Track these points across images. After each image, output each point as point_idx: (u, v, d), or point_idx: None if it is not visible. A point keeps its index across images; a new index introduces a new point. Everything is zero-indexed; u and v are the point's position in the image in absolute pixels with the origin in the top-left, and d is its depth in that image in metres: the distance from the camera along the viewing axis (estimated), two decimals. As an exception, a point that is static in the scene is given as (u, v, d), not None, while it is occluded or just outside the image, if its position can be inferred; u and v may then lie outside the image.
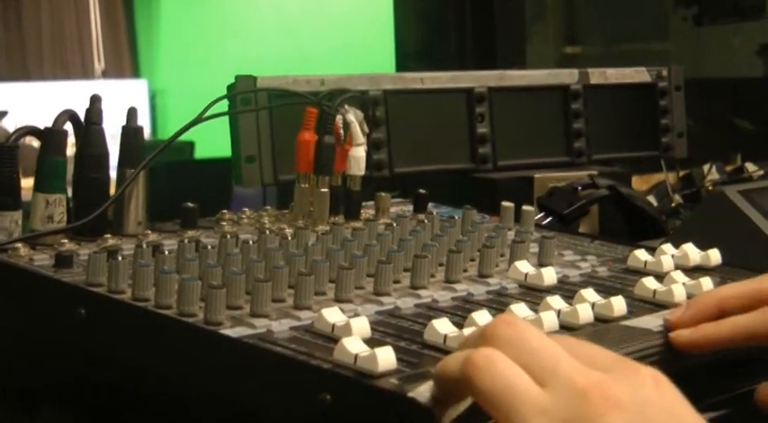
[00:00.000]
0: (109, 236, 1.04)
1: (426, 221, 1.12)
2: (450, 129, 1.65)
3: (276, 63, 6.40)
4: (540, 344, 0.61)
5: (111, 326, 0.83)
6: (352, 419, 0.67)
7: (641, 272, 1.01)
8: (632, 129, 1.85)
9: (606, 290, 0.93)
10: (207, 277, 0.83)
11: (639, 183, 2.11)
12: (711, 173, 2.02)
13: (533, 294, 0.92)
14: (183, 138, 1.22)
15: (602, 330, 0.83)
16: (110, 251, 0.89)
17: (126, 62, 8.14)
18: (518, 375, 0.59)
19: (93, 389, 0.87)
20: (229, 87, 1.42)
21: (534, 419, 0.57)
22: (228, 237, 0.97)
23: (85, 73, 7.81)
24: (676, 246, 1.07)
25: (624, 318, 0.86)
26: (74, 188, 1.09)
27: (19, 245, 0.97)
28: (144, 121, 6.72)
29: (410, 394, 0.64)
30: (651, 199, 1.87)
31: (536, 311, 0.83)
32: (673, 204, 1.85)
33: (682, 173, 2.03)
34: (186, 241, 0.95)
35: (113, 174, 1.09)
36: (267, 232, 1.00)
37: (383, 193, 1.22)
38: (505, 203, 1.20)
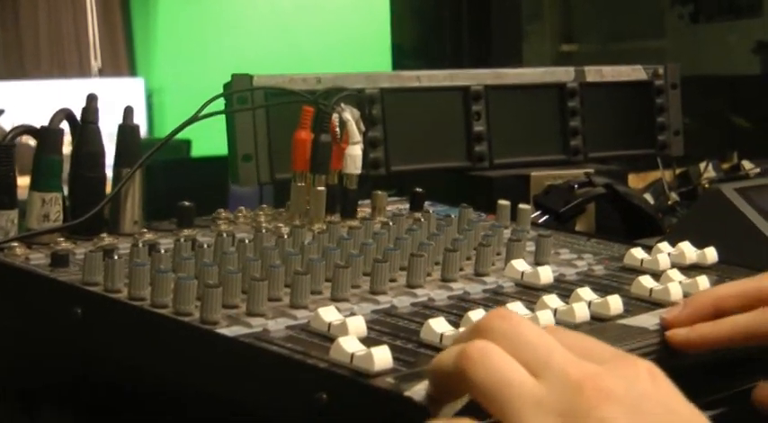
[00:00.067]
0: (105, 235, 1.03)
1: (423, 220, 1.12)
2: (446, 127, 1.65)
3: (273, 61, 6.39)
4: (535, 336, 0.61)
5: (108, 325, 0.83)
6: (349, 418, 0.66)
7: (638, 270, 1.01)
8: (629, 127, 1.85)
9: (603, 288, 0.93)
10: (203, 276, 0.83)
11: (636, 181, 2.11)
12: (708, 171, 2.02)
13: (530, 293, 0.92)
14: (179, 136, 1.22)
15: (599, 329, 0.83)
16: (106, 250, 0.89)
17: (123, 61, 8.14)
18: (513, 367, 0.59)
19: (90, 388, 0.87)
20: (226, 86, 1.41)
21: (529, 411, 0.57)
22: (225, 235, 0.97)
23: (82, 71, 7.81)
24: (673, 244, 1.07)
25: (621, 316, 0.86)
26: (70, 187, 1.09)
27: (15, 244, 0.97)
28: (140, 119, 6.73)
29: (406, 393, 0.64)
30: (648, 197, 1.87)
31: (532, 310, 0.83)
32: (669, 202, 1.84)
33: (678, 171, 2.03)
34: (182, 240, 0.95)
35: (110, 172, 1.09)
36: (263, 231, 1.00)
37: (379, 192, 1.22)
38: (502, 202, 1.20)
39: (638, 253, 1.04)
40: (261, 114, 1.44)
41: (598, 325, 0.84)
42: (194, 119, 1.15)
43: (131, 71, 8.16)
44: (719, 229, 1.24)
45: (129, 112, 1.11)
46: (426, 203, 1.27)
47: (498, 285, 0.94)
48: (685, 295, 0.90)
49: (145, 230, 1.07)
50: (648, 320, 0.85)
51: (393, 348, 0.69)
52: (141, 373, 0.81)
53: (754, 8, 5.31)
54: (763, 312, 0.81)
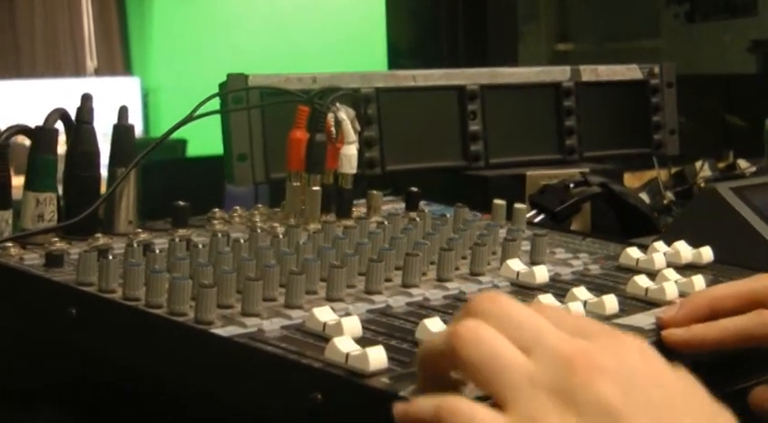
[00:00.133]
0: (99, 235, 1.03)
1: (418, 219, 1.11)
2: (442, 126, 1.65)
3: (269, 61, 6.39)
4: (525, 316, 0.61)
5: (102, 325, 0.83)
6: (343, 418, 0.66)
7: (633, 270, 1.01)
8: (624, 126, 1.85)
9: (598, 288, 0.93)
10: (198, 276, 0.83)
11: (631, 180, 2.11)
12: (703, 170, 2.02)
13: (525, 293, 0.92)
14: (175, 136, 1.22)
15: (594, 328, 0.82)
16: (100, 250, 0.89)
17: (118, 60, 8.13)
18: (504, 346, 0.59)
19: (85, 388, 0.87)
20: (221, 85, 1.41)
21: (521, 388, 0.57)
22: (219, 235, 0.97)
23: (78, 71, 7.80)
24: (668, 243, 1.07)
25: (616, 316, 0.86)
26: (64, 187, 1.08)
27: (9, 244, 0.97)
28: (136, 118, 6.71)
29: (402, 393, 0.64)
30: (643, 196, 1.87)
31: (528, 310, 0.82)
32: (665, 202, 1.85)
33: (674, 170, 2.03)
34: (177, 240, 0.95)
35: (104, 172, 1.09)
36: (258, 231, 0.99)
37: (375, 191, 1.22)
38: (497, 201, 1.20)
39: (633, 252, 1.04)
40: (256, 114, 1.44)
41: (593, 324, 0.83)
42: (189, 118, 1.15)
43: (127, 70, 8.15)
44: (715, 228, 1.24)
45: (123, 111, 1.11)
46: (422, 203, 1.27)
47: (494, 285, 0.94)
48: (681, 295, 0.90)
49: (140, 230, 1.07)
50: (644, 320, 0.85)
51: (388, 348, 0.69)
52: (136, 374, 0.81)
53: (750, 7, 5.32)
54: (759, 314, 0.81)
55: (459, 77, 1.67)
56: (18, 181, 1.05)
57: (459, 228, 1.08)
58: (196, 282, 0.81)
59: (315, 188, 1.14)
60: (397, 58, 5.18)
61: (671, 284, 0.91)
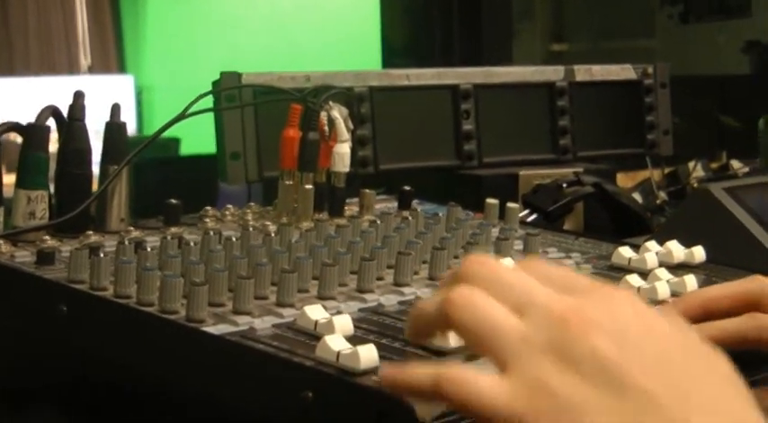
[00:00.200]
0: (91, 232, 1.03)
1: (411, 218, 1.11)
2: (435, 125, 1.65)
3: (263, 59, 6.39)
4: (514, 277, 0.61)
5: (94, 323, 0.83)
6: (335, 417, 0.66)
7: (625, 269, 1.01)
8: (618, 126, 1.85)
9: (590, 287, 0.93)
10: (189, 274, 0.83)
11: (625, 180, 2.11)
12: (697, 170, 2.02)
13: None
14: (168, 134, 1.22)
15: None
16: (92, 248, 0.88)
17: (112, 58, 8.12)
18: (497, 309, 0.59)
19: (76, 386, 0.87)
20: (214, 84, 1.41)
21: (518, 350, 0.57)
22: (211, 233, 0.96)
23: (72, 69, 7.79)
24: (661, 243, 1.07)
25: (608, 315, 0.85)
26: (56, 184, 1.08)
27: (0, 241, 0.97)
28: (130, 116, 6.72)
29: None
30: (636, 196, 1.87)
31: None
32: (658, 201, 1.85)
33: (667, 170, 2.03)
34: (169, 238, 0.94)
35: (96, 170, 1.09)
36: (250, 229, 0.99)
37: (368, 190, 1.22)
38: (490, 200, 1.20)
39: (625, 252, 1.04)
40: (249, 112, 1.44)
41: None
42: (182, 116, 1.14)
43: (121, 68, 8.14)
44: (708, 228, 1.24)
45: (116, 109, 1.10)
46: (414, 202, 1.27)
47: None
48: (673, 294, 0.90)
49: (131, 228, 1.06)
50: (636, 320, 0.85)
51: (379, 347, 0.69)
52: (127, 372, 0.81)
53: (744, 8, 5.32)
54: (753, 317, 0.81)
55: (452, 76, 1.67)
56: (9, 178, 1.05)
57: (452, 227, 1.08)
58: (188, 280, 0.81)
59: (307, 187, 1.14)
60: (390, 56, 5.18)
61: (663, 284, 0.91)
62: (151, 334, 0.79)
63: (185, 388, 0.76)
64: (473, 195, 1.50)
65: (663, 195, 1.87)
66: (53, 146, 1.06)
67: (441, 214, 1.14)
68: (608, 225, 1.61)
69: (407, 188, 1.26)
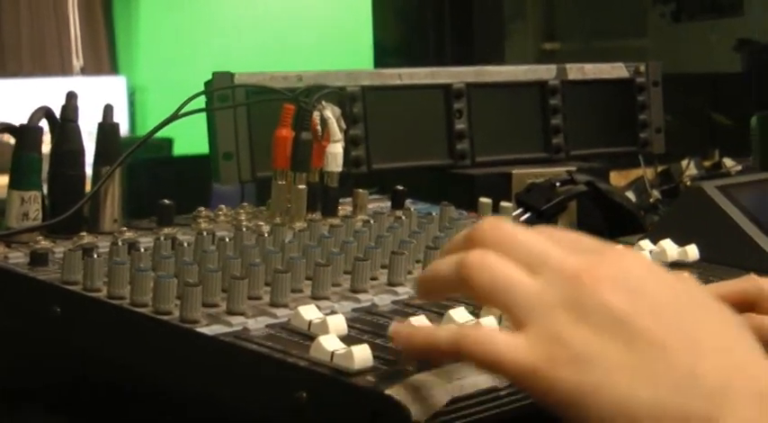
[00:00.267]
0: (84, 233, 1.03)
1: (404, 218, 1.11)
2: (428, 125, 1.65)
3: (255, 60, 6.39)
4: (528, 239, 0.64)
5: (87, 324, 0.83)
6: (329, 417, 0.66)
7: (619, 268, 1.01)
8: (610, 124, 1.85)
9: (584, 286, 0.93)
10: (183, 275, 0.83)
11: (618, 178, 2.12)
12: (689, 168, 2.03)
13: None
14: (161, 135, 1.21)
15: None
16: (85, 249, 0.88)
17: (105, 59, 8.11)
18: (512, 269, 0.62)
19: (70, 386, 0.87)
20: (207, 84, 1.41)
21: (533, 307, 0.61)
22: (205, 234, 0.96)
23: (64, 70, 7.78)
24: (654, 241, 1.07)
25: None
26: (49, 185, 1.08)
27: (-6, 243, 0.97)
28: (122, 118, 6.71)
29: (387, 392, 0.64)
30: (629, 195, 1.87)
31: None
32: (651, 200, 1.85)
33: (660, 168, 2.04)
34: (162, 239, 0.94)
35: (89, 171, 1.09)
36: (244, 229, 0.99)
37: (361, 190, 1.22)
38: (483, 200, 1.20)
39: (619, 251, 1.04)
40: (242, 112, 1.44)
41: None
42: (174, 117, 1.14)
43: (113, 69, 8.13)
44: (701, 226, 1.24)
45: (108, 110, 1.10)
46: (408, 201, 1.27)
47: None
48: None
49: (125, 229, 1.06)
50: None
51: (373, 347, 0.69)
52: (121, 372, 0.81)
53: (736, 7, 5.33)
54: (748, 318, 0.81)
55: (445, 76, 1.67)
56: (2, 179, 1.04)
57: (445, 226, 1.08)
58: (181, 280, 0.81)
59: (300, 187, 1.14)
60: (383, 56, 5.18)
61: (657, 282, 0.91)
62: (145, 335, 0.79)
63: (179, 389, 0.76)
64: (466, 194, 1.50)
65: (656, 194, 1.88)
66: (46, 147, 1.06)
67: (434, 214, 1.14)
68: (601, 224, 1.61)
69: (400, 188, 1.26)
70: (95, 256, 0.85)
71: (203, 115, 1.38)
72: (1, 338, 0.92)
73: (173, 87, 4.58)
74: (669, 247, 1.05)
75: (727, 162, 2.08)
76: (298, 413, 0.67)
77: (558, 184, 1.54)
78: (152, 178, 4.69)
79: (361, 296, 0.87)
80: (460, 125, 1.66)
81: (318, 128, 1.16)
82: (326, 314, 0.77)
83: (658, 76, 1.89)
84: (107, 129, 1.10)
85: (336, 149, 1.17)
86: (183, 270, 0.84)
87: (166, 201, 1.10)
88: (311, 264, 0.88)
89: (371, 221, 1.07)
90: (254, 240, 0.96)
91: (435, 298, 0.72)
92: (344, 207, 1.21)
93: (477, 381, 0.67)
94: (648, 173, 1.95)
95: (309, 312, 0.77)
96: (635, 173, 2.09)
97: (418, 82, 1.64)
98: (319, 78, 1.46)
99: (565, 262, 0.62)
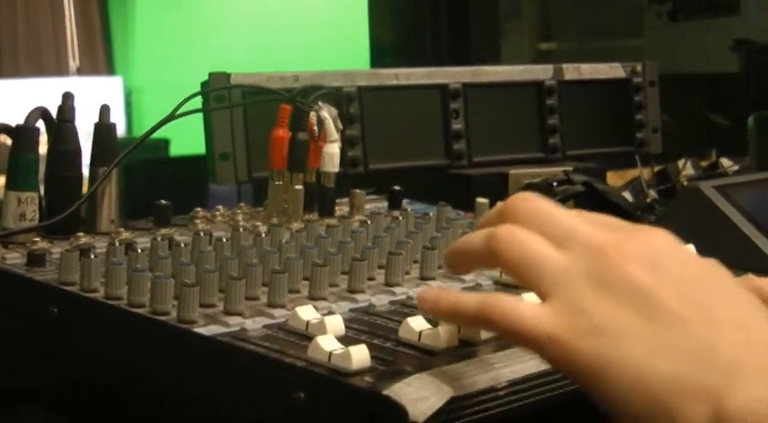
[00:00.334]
0: (81, 234, 1.03)
1: (401, 218, 1.11)
2: (424, 125, 1.65)
3: (252, 60, 6.39)
4: (557, 213, 0.67)
5: (84, 324, 0.83)
6: (326, 417, 0.66)
7: (616, 268, 1.01)
8: (607, 124, 1.85)
9: (581, 286, 0.93)
10: (180, 275, 0.83)
11: (614, 178, 2.11)
12: (686, 168, 2.03)
13: (508, 291, 0.92)
14: (157, 135, 1.21)
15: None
16: (82, 249, 0.88)
17: (101, 59, 8.11)
18: (541, 243, 0.65)
19: (67, 387, 0.87)
20: (203, 84, 1.41)
21: (559, 279, 0.63)
22: (202, 234, 0.96)
23: (60, 70, 7.78)
24: (651, 241, 1.06)
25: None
26: (46, 186, 1.08)
27: (-10, 243, 0.97)
28: (119, 118, 6.70)
29: (384, 392, 0.63)
30: (626, 195, 1.87)
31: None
32: (648, 200, 1.85)
33: (657, 168, 2.03)
34: (159, 239, 0.94)
35: (86, 171, 1.09)
36: (241, 230, 0.99)
37: (358, 190, 1.22)
38: (480, 200, 1.20)
39: (616, 250, 1.03)
40: (238, 113, 1.44)
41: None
42: (171, 117, 1.14)
43: (110, 70, 8.13)
44: (698, 226, 1.24)
45: (105, 110, 1.10)
46: (404, 202, 1.27)
47: (477, 283, 0.94)
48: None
49: (122, 229, 1.06)
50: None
51: (371, 347, 0.69)
52: (119, 373, 0.81)
53: (732, 6, 5.34)
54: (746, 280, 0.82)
55: (441, 76, 1.67)
56: (-1, 180, 1.04)
57: (443, 226, 1.08)
58: (178, 281, 0.81)
59: (297, 187, 1.14)
60: (379, 56, 5.18)
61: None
62: (142, 335, 0.79)
63: (177, 389, 0.76)
64: (463, 195, 1.50)
65: (653, 194, 1.87)
66: (42, 147, 1.06)
67: (431, 214, 1.14)
68: (598, 223, 1.61)
69: (397, 188, 1.26)
70: (92, 256, 0.85)
71: (200, 116, 1.38)
72: (-2, 339, 0.92)
73: (169, 88, 4.59)
74: (666, 247, 1.05)
75: (725, 162, 2.08)
76: (295, 413, 0.66)
77: (554, 184, 1.54)
78: (149, 179, 4.69)
79: (358, 296, 0.86)
80: (457, 125, 1.66)
81: (315, 128, 1.16)
82: (324, 314, 0.77)
83: (655, 75, 1.88)
84: (104, 129, 1.10)
85: (333, 150, 1.17)
86: (181, 270, 0.84)
87: (163, 201, 1.10)
88: (308, 264, 0.88)
89: (368, 222, 1.07)
90: (251, 241, 0.96)
91: (463, 270, 0.74)
92: (341, 207, 1.21)
93: (475, 381, 0.67)
94: (645, 173, 1.95)
95: (307, 313, 0.77)
96: (632, 173, 2.09)
97: (415, 82, 1.64)
98: (316, 79, 1.46)
99: (593, 237, 0.64)
